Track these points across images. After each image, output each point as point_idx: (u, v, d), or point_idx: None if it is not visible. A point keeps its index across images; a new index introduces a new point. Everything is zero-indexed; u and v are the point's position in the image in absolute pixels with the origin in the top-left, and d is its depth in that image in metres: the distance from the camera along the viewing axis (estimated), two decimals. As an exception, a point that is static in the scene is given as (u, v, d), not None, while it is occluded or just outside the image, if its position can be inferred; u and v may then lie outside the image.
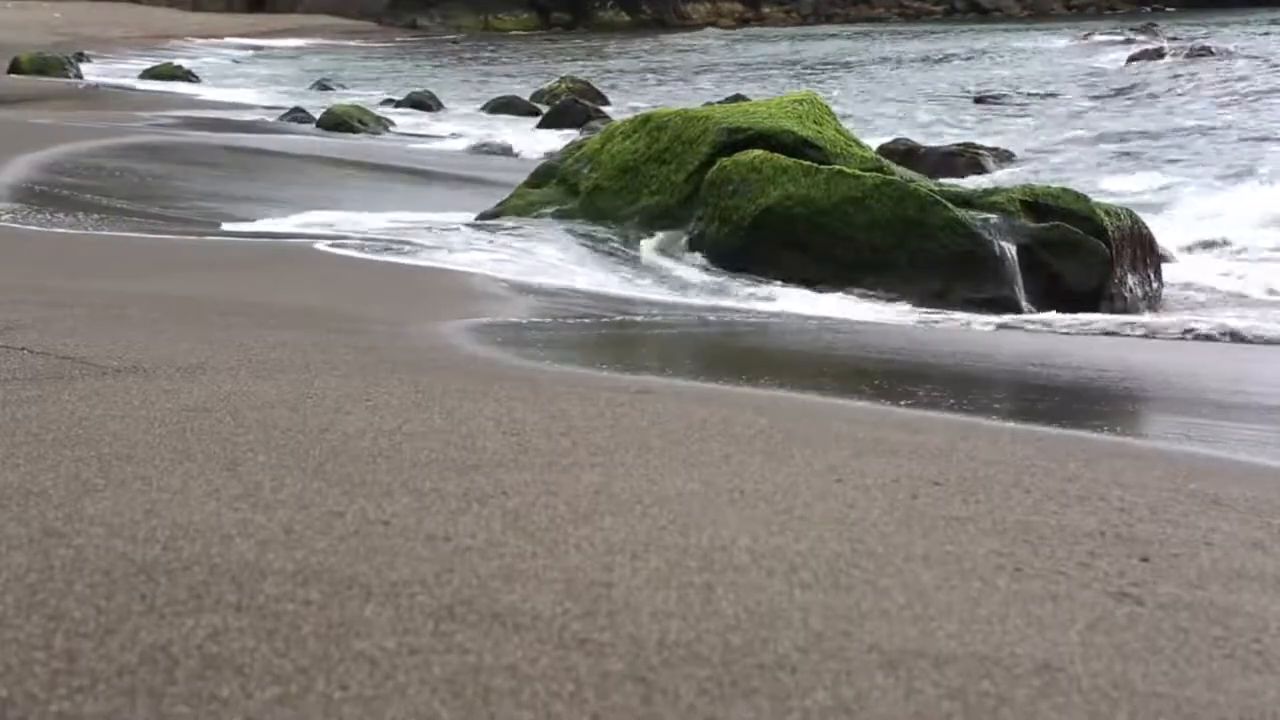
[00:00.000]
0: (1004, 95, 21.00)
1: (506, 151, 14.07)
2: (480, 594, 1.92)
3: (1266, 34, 31.86)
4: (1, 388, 3.07)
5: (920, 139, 14.18)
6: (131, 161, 9.94)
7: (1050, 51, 30.89)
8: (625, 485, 2.50)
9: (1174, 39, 28.04)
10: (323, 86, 23.19)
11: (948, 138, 14.87)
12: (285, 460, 2.54)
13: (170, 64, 26.64)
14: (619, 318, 5.30)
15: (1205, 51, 24.49)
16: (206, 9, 59.04)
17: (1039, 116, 17.91)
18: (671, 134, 7.41)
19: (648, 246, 7.07)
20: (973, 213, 6.38)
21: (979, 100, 20.25)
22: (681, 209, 7.10)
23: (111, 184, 8.92)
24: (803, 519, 2.36)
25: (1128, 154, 13.50)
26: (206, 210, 8.30)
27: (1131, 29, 32.10)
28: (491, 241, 7.02)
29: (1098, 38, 30.94)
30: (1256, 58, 24.26)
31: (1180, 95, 19.25)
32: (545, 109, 18.74)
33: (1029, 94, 21.18)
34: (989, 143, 14.21)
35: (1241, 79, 19.91)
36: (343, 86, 23.66)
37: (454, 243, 7.06)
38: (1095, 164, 12.85)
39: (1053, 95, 20.61)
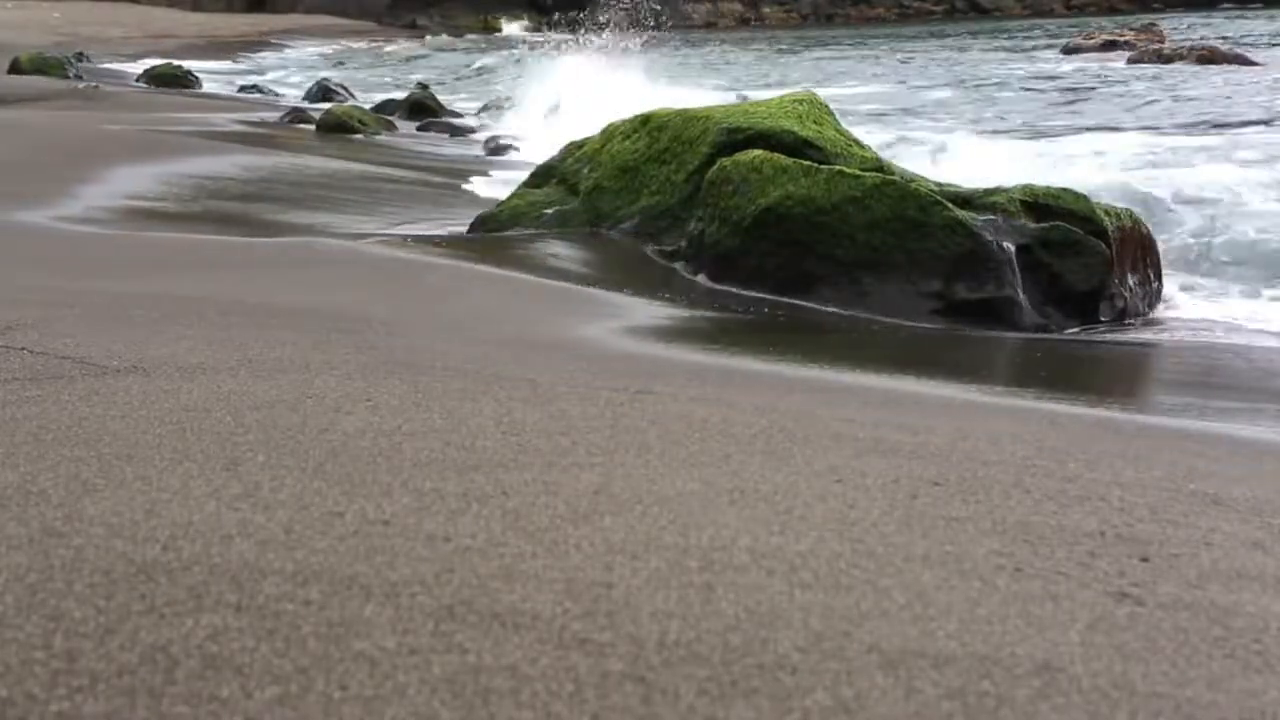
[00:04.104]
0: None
1: (507, 151, 14.07)
2: (480, 594, 1.92)
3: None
4: (1, 388, 3.07)
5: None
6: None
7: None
8: (625, 485, 2.50)
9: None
10: (323, 88, 23.17)
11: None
12: (285, 460, 2.54)
13: (170, 65, 26.62)
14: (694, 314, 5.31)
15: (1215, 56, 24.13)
16: (206, 9, 59.06)
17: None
18: (671, 134, 7.41)
19: (650, 248, 7.07)
20: (973, 213, 6.37)
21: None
22: (682, 209, 7.10)
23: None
24: (803, 519, 2.36)
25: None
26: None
27: (1132, 29, 31.99)
28: (521, 245, 7.03)
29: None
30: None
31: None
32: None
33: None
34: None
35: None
36: (343, 87, 23.64)
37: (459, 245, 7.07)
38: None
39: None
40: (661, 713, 1.62)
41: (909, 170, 7.47)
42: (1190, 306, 6.76)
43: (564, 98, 15.90)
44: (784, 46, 40.81)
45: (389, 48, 45.20)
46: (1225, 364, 5.56)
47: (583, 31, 19.65)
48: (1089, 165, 10.90)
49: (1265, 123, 14.92)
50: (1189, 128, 14.85)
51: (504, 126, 15.56)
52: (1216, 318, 6.47)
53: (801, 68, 30.61)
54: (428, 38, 53.14)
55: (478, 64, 34.15)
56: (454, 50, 43.16)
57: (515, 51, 36.62)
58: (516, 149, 14.14)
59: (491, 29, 58.47)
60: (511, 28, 57.43)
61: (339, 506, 2.27)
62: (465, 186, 11.19)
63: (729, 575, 2.05)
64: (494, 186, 10.87)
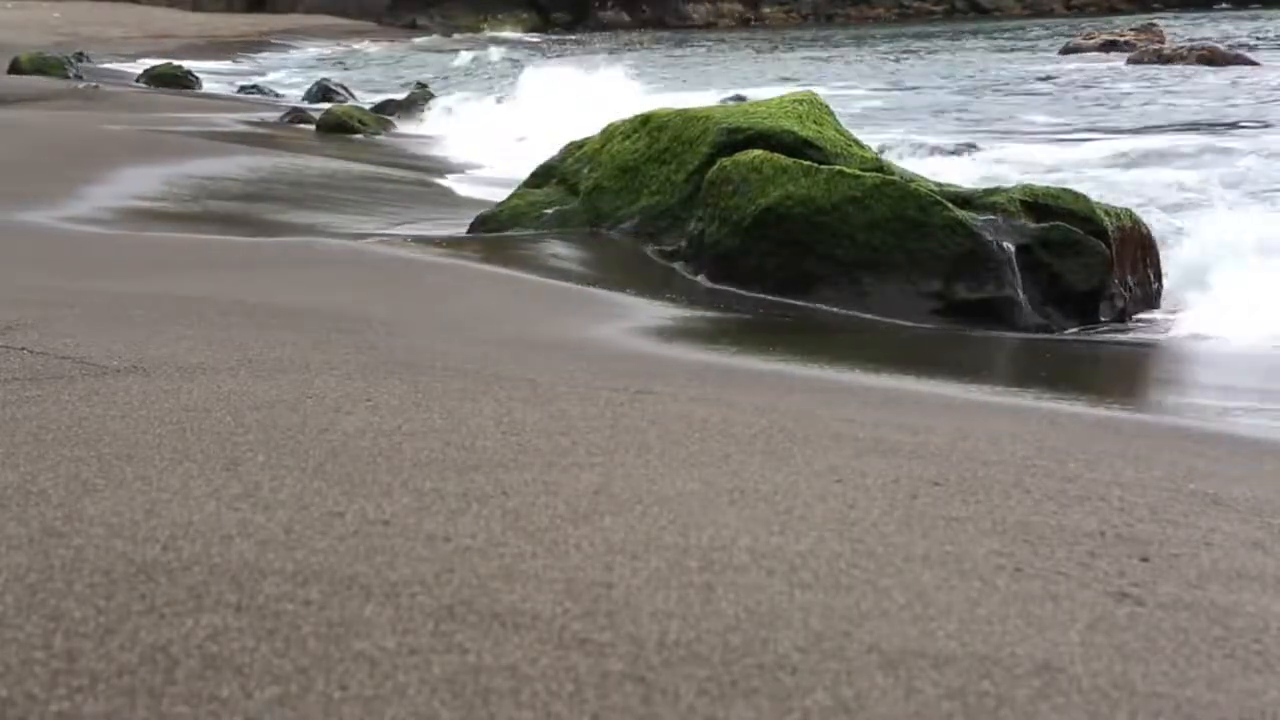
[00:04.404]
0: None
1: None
2: (480, 594, 1.92)
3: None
4: (1, 388, 3.08)
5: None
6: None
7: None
8: (625, 485, 2.50)
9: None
10: (323, 88, 23.16)
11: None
12: (285, 460, 2.54)
13: (170, 65, 26.59)
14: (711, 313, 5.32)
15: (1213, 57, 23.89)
16: (206, 9, 59.05)
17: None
18: (671, 134, 7.41)
19: (650, 248, 7.08)
20: (973, 213, 6.37)
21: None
22: (682, 209, 7.10)
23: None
24: (803, 519, 2.36)
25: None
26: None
27: (1132, 29, 31.94)
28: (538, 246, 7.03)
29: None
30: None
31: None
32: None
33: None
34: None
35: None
36: (343, 87, 23.62)
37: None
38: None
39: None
40: (661, 713, 1.62)
41: (909, 170, 7.47)
42: (1190, 307, 6.75)
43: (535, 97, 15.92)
44: (784, 46, 40.83)
45: (372, 49, 45.05)
46: (1225, 364, 5.55)
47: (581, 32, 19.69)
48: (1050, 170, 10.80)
49: (1264, 124, 14.90)
50: (1185, 129, 14.83)
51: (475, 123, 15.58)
52: (1216, 318, 6.45)
53: (802, 68, 30.63)
54: (415, 39, 53.08)
55: (455, 63, 33.73)
56: (440, 51, 43.04)
57: (489, 52, 36.12)
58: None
59: (473, 29, 58.41)
60: (502, 30, 57.36)
61: (339, 506, 2.27)
62: (440, 182, 11.17)
63: (729, 575, 2.05)
64: (470, 185, 10.90)
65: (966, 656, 1.81)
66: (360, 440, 2.72)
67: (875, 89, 23.31)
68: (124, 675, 1.62)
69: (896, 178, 6.63)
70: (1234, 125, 14.96)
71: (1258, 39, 32.28)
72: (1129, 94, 19.81)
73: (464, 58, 34.11)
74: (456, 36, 53.11)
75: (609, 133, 7.93)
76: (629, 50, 37.76)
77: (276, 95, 23.31)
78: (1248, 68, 23.16)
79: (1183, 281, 6.73)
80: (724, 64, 33.23)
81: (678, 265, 6.89)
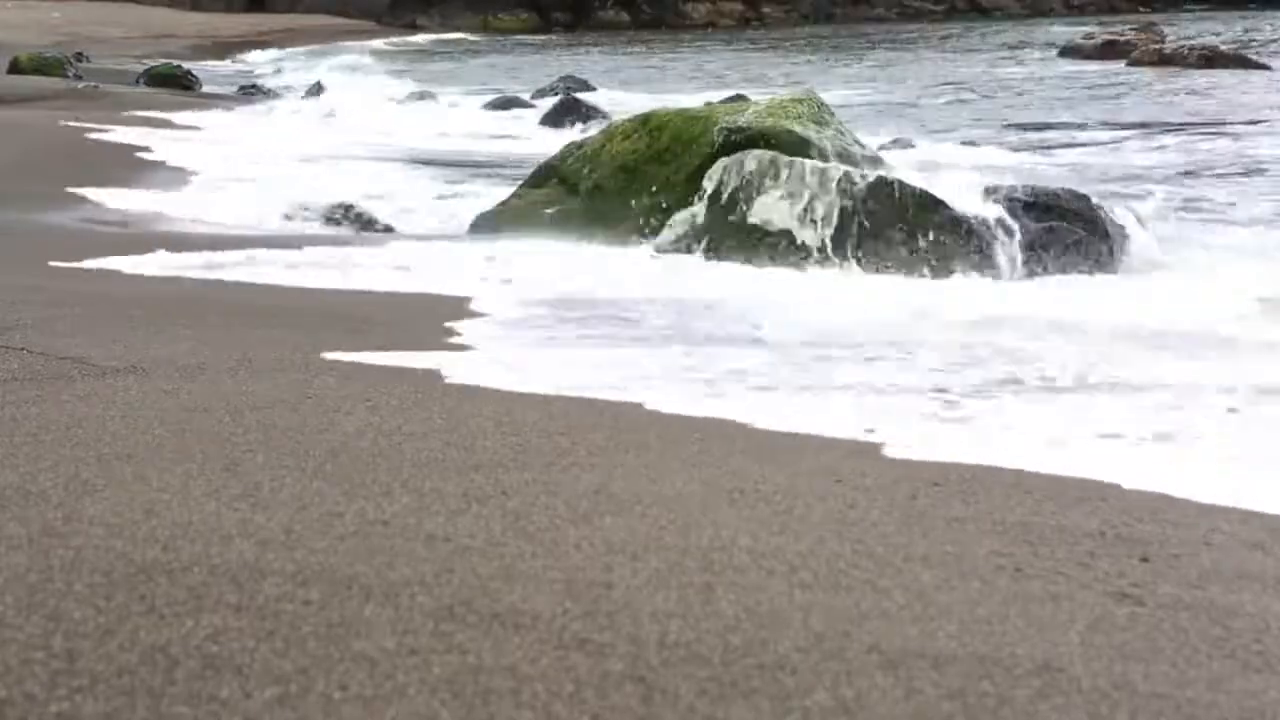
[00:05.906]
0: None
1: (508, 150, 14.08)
2: (480, 594, 1.92)
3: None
4: (1, 388, 3.07)
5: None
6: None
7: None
8: (625, 485, 2.50)
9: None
10: (320, 88, 23.14)
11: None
12: (285, 460, 2.54)
13: (170, 65, 26.52)
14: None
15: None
16: (206, 9, 58.97)
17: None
18: (672, 134, 7.42)
19: (650, 248, 7.08)
20: (973, 211, 6.39)
21: None
22: (682, 208, 7.10)
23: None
24: (803, 519, 2.36)
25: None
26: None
27: (1133, 29, 31.87)
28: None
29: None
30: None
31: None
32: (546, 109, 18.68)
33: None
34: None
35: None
36: (339, 88, 23.55)
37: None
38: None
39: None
40: (661, 713, 1.62)
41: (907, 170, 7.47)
42: None
43: None
44: (785, 46, 40.84)
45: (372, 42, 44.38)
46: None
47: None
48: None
49: (1256, 123, 14.84)
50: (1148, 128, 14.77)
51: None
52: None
53: (802, 68, 30.64)
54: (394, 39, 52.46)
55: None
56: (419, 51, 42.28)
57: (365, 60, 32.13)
58: (515, 150, 14.12)
59: (492, 29, 58.30)
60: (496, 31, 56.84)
61: (339, 507, 2.27)
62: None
63: (729, 575, 2.05)
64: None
65: (966, 657, 1.81)
66: (360, 440, 2.72)
67: (877, 89, 23.30)
68: (124, 675, 1.62)
69: (895, 177, 6.65)
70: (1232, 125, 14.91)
71: (1264, 40, 32.17)
72: (1122, 95, 19.77)
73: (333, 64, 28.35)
74: (411, 37, 52.64)
75: (609, 133, 7.93)
76: (622, 53, 37.63)
77: (276, 95, 23.28)
78: (1248, 69, 22.98)
79: None
80: (725, 64, 33.22)
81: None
